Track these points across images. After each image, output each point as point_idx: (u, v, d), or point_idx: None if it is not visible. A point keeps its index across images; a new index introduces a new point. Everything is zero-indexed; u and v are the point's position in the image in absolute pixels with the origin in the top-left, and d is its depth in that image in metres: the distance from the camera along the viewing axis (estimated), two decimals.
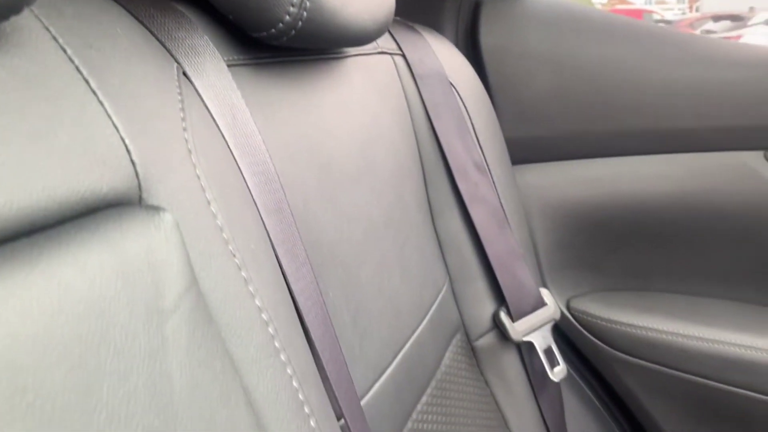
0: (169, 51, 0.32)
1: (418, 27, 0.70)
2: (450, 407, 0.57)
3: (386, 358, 0.47)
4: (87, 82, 0.24)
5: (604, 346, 0.81)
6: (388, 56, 0.61)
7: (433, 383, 0.55)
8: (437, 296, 0.59)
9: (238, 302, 0.27)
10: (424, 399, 0.53)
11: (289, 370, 0.28)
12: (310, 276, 0.35)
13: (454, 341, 0.62)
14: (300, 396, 0.29)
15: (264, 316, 0.28)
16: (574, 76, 0.80)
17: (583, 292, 0.85)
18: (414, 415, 0.50)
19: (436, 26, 0.82)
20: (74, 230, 0.20)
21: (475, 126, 0.69)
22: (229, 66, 0.37)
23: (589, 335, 0.82)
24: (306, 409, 0.29)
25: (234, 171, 0.32)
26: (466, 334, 0.65)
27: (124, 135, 0.25)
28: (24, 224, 0.20)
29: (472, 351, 0.65)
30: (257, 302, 0.28)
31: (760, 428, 0.76)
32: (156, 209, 0.23)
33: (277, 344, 0.28)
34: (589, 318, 0.82)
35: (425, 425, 0.52)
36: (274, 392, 0.27)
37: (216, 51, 0.35)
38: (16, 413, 0.17)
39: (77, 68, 0.25)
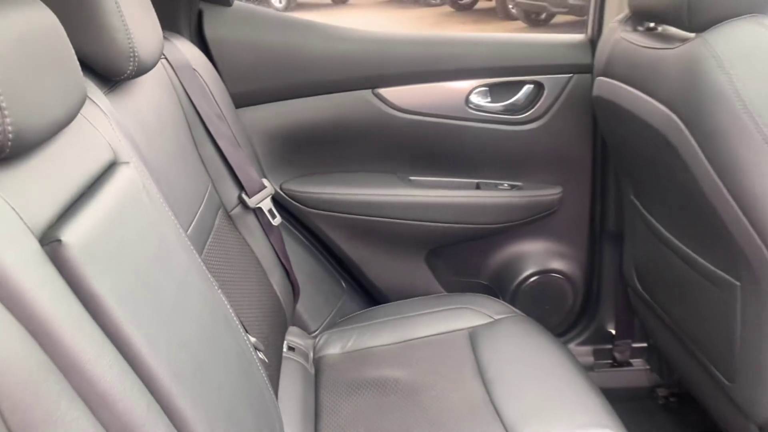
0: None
1: (166, 34, 1.16)
2: (225, 248, 1.11)
3: (188, 219, 0.99)
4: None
5: (305, 207, 1.42)
6: (162, 61, 1.08)
7: (212, 233, 1.08)
8: (206, 191, 1.11)
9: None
10: (210, 240, 1.06)
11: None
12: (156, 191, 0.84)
13: (219, 213, 1.15)
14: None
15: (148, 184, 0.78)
16: (268, 53, 1.34)
17: (290, 178, 1.44)
18: (206, 248, 1.03)
19: (176, 31, 1.28)
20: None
21: (212, 90, 1.20)
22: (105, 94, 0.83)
23: (295, 203, 1.42)
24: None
25: (130, 154, 0.79)
26: (225, 210, 1.18)
27: (110, 141, 0.73)
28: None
29: (230, 218, 1.19)
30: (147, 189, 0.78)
31: (381, 237, 1.45)
32: (126, 162, 0.73)
33: (148, 183, 0.78)
34: (295, 192, 1.42)
35: (213, 254, 1.05)
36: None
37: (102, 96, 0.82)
38: None
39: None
